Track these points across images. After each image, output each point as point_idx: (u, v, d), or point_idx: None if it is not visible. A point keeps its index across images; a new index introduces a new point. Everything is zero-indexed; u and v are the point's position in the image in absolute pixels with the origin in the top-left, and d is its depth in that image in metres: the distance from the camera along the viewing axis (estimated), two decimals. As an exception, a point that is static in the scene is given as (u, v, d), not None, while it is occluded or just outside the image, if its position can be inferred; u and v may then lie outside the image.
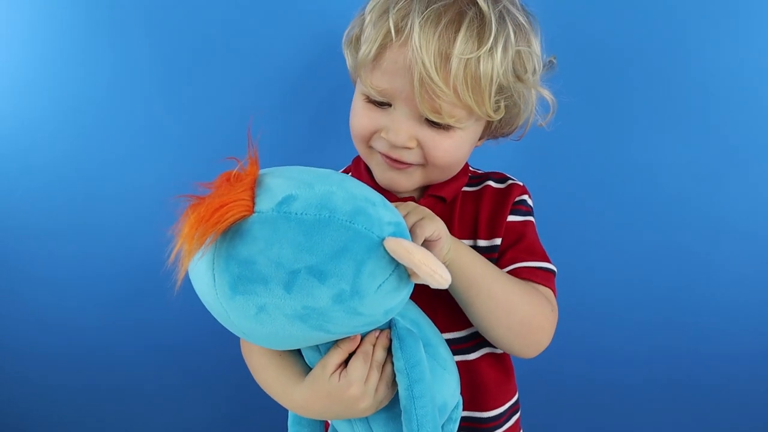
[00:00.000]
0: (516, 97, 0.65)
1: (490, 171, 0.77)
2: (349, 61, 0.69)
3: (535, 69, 0.66)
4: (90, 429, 1.19)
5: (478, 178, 0.75)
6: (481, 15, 0.60)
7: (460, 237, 0.70)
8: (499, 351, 0.72)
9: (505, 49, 0.60)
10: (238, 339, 0.73)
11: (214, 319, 0.57)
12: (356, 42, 0.66)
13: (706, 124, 0.98)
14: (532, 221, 0.72)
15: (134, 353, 1.14)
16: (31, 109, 1.01)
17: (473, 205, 0.72)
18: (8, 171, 1.05)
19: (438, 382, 0.60)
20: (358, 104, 0.67)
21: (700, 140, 0.98)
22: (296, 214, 0.48)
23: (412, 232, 0.55)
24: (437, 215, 0.61)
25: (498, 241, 0.70)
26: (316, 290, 0.48)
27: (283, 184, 0.50)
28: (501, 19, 0.60)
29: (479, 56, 0.58)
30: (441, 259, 0.57)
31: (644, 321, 1.08)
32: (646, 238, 1.03)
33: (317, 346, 0.59)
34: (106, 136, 1.02)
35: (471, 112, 0.62)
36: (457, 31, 0.58)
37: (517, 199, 0.72)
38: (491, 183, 0.73)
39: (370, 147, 0.67)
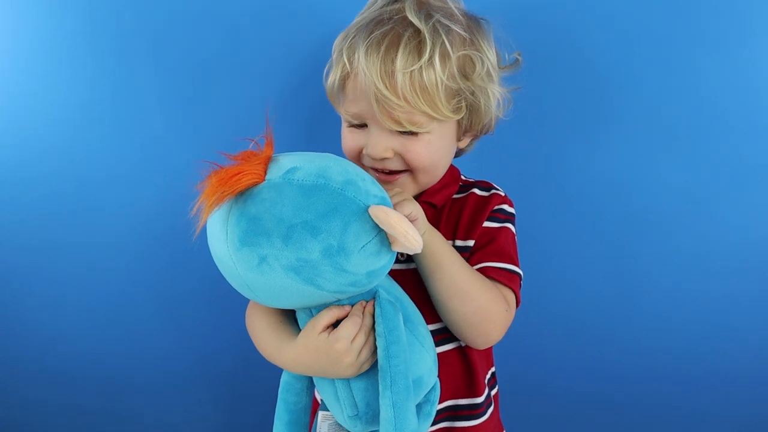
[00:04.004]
0: (473, 97, 0.74)
1: (479, 180, 0.85)
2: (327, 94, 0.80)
3: (487, 69, 0.74)
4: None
5: (466, 187, 0.84)
6: (416, 32, 0.70)
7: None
8: (463, 344, 0.79)
9: (443, 56, 0.70)
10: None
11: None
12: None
13: (697, 136, 1.00)
14: (508, 228, 0.80)
15: (135, 361, 1.17)
16: (33, 119, 1.05)
17: (458, 210, 0.81)
18: (10, 181, 1.07)
19: (415, 355, 0.68)
20: (343, 130, 0.78)
21: (690, 154, 1.00)
22: (298, 180, 0.59)
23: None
24: (428, 220, 0.71)
25: (471, 242, 0.78)
26: (308, 243, 0.57)
27: (291, 159, 0.62)
28: (435, 32, 0.70)
29: (420, 67, 0.68)
30: None
31: (635, 334, 1.09)
32: (638, 250, 1.05)
33: (310, 311, 0.67)
34: (110, 147, 1.05)
35: (430, 117, 0.71)
36: (396, 50, 0.68)
37: (496, 207, 0.80)
38: (476, 190, 0.82)
39: (362, 164, 0.78)
